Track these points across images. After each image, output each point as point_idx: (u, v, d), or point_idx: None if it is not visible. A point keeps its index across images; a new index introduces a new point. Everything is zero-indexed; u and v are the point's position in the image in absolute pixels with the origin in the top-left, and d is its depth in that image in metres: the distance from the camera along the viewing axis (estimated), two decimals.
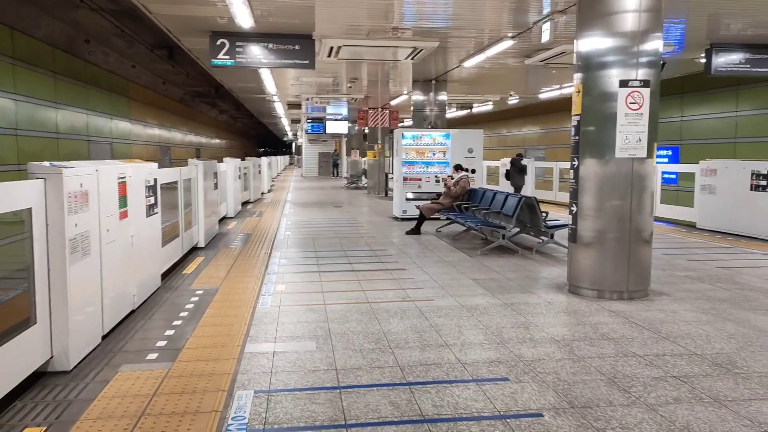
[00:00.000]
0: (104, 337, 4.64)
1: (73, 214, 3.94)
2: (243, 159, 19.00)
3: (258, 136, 79.10)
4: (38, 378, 3.81)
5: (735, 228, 10.78)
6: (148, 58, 18.72)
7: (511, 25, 9.01)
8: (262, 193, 21.73)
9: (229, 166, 13.83)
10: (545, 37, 8.94)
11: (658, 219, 12.79)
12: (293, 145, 75.41)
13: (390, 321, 5.24)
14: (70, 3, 11.84)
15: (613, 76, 5.94)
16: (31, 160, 3.57)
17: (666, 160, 16.03)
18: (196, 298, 6.03)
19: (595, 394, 3.68)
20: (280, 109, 26.27)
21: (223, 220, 13.18)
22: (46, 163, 3.81)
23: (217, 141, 41.92)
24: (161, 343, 4.59)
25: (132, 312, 5.42)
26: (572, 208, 6.34)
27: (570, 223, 6.42)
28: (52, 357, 3.85)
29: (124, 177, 5.11)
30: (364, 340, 4.70)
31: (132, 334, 4.82)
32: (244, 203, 17.29)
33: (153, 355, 4.33)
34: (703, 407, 3.49)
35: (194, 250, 8.93)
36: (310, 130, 29.01)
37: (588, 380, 3.90)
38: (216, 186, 10.77)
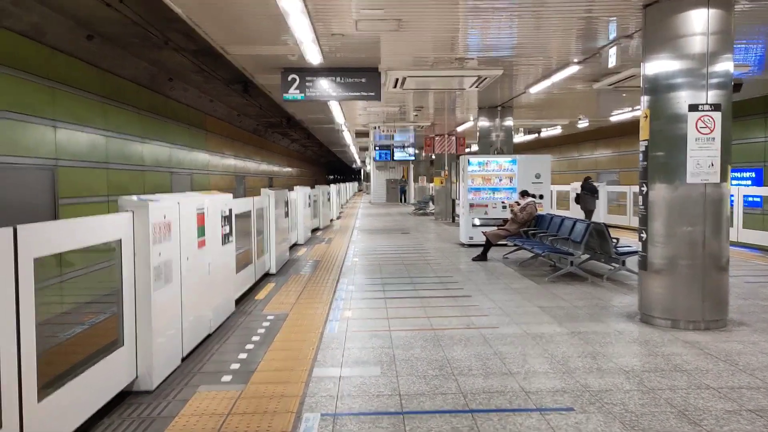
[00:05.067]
0: (184, 359, 4.94)
1: (158, 244, 4.27)
2: (313, 186, 19.56)
3: (328, 164, 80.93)
4: (124, 397, 4.11)
5: None
6: (224, 93, 19.72)
7: (577, 51, 8.98)
8: (331, 220, 22.22)
9: (299, 194, 14.30)
10: (612, 62, 8.87)
11: (739, 245, 12.19)
12: (362, 171, 76.63)
13: (454, 348, 5.29)
14: (154, 44, 12.73)
15: (681, 100, 5.83)
16: (120, 192, 3.96)
17: (749, 182, 15.27)
18: (267, 323, 6.28)
19: (664, 426, 3.59)
20: (348, 137, 26.91)
21: (293, 247, 13.60)
22: (134, 198, 4.16)
23: (288, 169, 43.24)
24: (235, 366, 4.83)
25: (209, 335, 5.73)
26: (642, 235, 6.21)
27: (640, 249, 6.28)
28: (137, 377, 4.15)
29: (203, 208, 5.46)
30: (428, 367, 4.77)
31: (209, 357, 5.10)
32: (314, 230, 17.76)
33: (228, 377, 4.57)
34: None
35: (266, 277, 9.28)
36: (377, 158, 29.51)
37: (657, 412, 3.80)
38: (287, 214, 11.17)
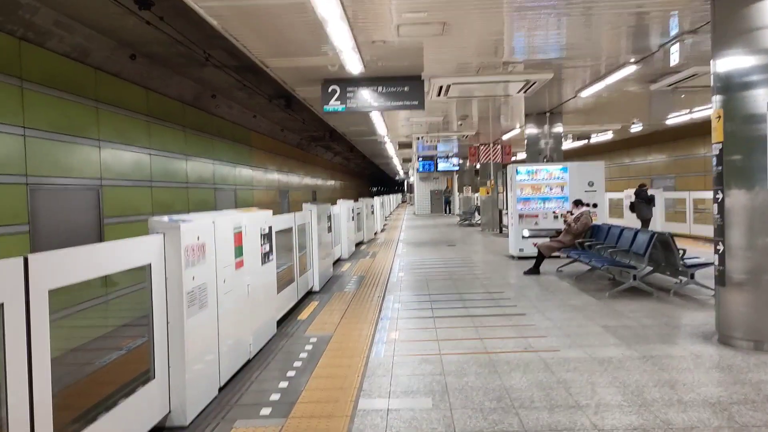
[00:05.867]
0: (221, 389, 4.64)
1: (191, 267, 3.99)
2: (356, 199, 19.32)
3: (371, 176, 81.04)
4: None
5: None
6: (268, 108, 19.75)
7: (632, 50, 8.43)
8: (375, 233, 21.91)
9: (343, 208, 14.03)
10: (674, 60, 8.26)
11: None
12: (405, 183, 76.36)
13: (512, 375, 4.83)
14: (197, 62, 12.74)
15: (759, 98, 5.25)
16: (164, 210, 3.75)
17: None
18: (310, 346, 5.95)
19: None
20: (391, 149, 26.65)
21: (337, 262, 13.31)
22: (165, 218, 3.89)
23: (332, 182, 43.31)
24: (275, 397, 4.50)
25: (248, 361, 5.43)
26: (718, 247, 5.61)
27: (716, 262, 5.68)
28: (170, 412, 3.86)
29: (240, 227, 5.19)
30: (485, 398, 4.32)
31: (248, 386, 4.79)
32: (358, 244, 17.46)
33: (267, 410, 4.23)
34: None
35: (309, 294, 8.99)
36: (421, 169, 29.13)
37: None
38: (330, 229, 10.89)
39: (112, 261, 3.34)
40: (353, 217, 15.95)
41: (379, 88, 8.74)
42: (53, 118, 9.30)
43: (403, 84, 8.74)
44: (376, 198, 23.98)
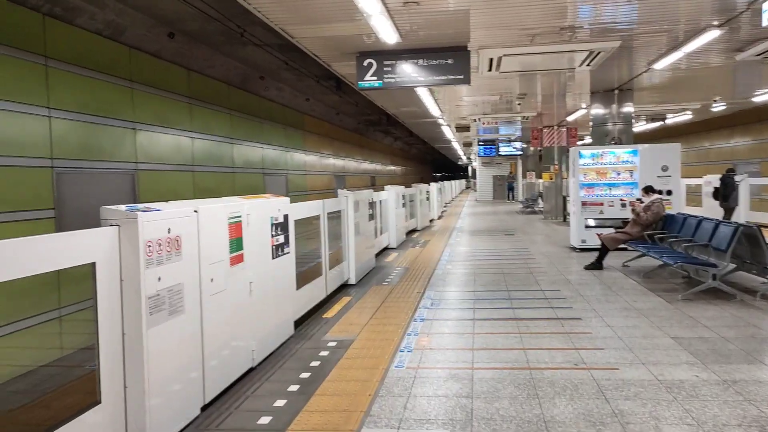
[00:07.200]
0: (205, 407, 3.98)
1: (155, 266, 3.32)
2: (409, 185, 18.51)
3: (434, 162, 79.82)
4: None
5: None
6: (320, 91, 19.15)
7: (715, 11, 7.17)
8: (431, 221, 21.03)
9: (390, 194, 13.24)
10: (766, 20, 6.95)
11: None
12: (469, 168, 74.73)
13: (555, 402, 3.93)
14: (239, 41, 12.21)
15: None
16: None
17: None
18: (325, 353, 5.23)
19: None
20: (448, 132, 25.58)
21: (384, 251, 12.59)
22: (123, 207, 3.23)
23: (391, 167, 42.60)
24: (264, 420, 3.79)
25: (251, 369, 4.77)
26: None
27: None
28: None
29: (239, 216, 4.50)
30: None
31: (238, 404, 4.10)
32: (410, 232, 16.67)
33: None
34: None
35: (343, 288, 8.29)
36: (481, 153, 27.92)
37: None
38: (371, 217, 10.13)
39: (42, 260, 2.70)
40: (404, 204, 15.14)
41: (420, 61, 7.84)
42: (82, 99, 8.95)
43: (446, 56, 7.81)
44: (432, 184, 23.05)
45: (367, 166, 33.10)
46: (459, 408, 3.88)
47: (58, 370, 6.26)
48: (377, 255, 11.42)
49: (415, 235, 16.30)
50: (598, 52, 8.33)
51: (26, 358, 6.84)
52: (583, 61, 8.85)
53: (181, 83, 12.13)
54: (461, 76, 7.87)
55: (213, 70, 13.44)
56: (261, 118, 16.79)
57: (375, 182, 34.63)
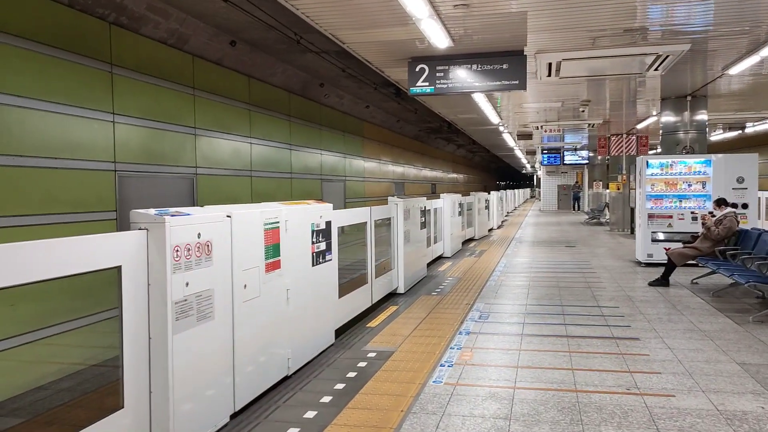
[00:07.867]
0: (235, 415, 3.92)
1: (183, 271, 3.29)
2: (477, 192, 18.21)
3: (498, 170, 78.66)
4: None
5: None
6: (380, 98, 19.17)
7: None
8: (490, 230, 20.61)
9: (446, 202, 13.02)
10: None
11: None
12: (534, 177, 73.13)
13: (600, 429, 3.64)
14: (298, 49, 12.36)
15: None
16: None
17: None
18: (364, 363, 5.10)
19: None
20: (510, 140, 25.05)
21: (438, 259, 12.38)
22: (152, 211, 3.21)
23: (453, 175, 42.22)
24: (293, 431, 3.70)
25: (286, 378, 4.70)
26: None
27: None
28: None
29: (276, 222, 4.44)
30: None
31: (268, 413, 4.03)
32: (467, 241, 16.37)
33: None
34: None
35: (391, 297, 8.15)
36: (544, 162, 27.20)
37: None
38: (423, 225, 9.96)
39: (63, 263, 2.70)
40: (461, 212, 14.86)
41: (473, 66, 7.62)
42: (146, 104, 9.24)
43: (501, 60, 7.56)
44: (493, 192, 22.60)
45: (427, 173, 32.92)
46: (494, 430, 3.65)
47: (106, 369, 6.40)
48: (430, 264, 11.23)
49: (472, 244, 15.98)
50: (666, 56, 7.86)
51: (78, 357, 7.05)
52: (650, 66, 8.38)
53: (241, 90, 12.37)
54: (516, 82, 7.60)
55: (274, 77, 13.66)
56: (320, 124, 16.94)
57: (435, 190, 34.38)
